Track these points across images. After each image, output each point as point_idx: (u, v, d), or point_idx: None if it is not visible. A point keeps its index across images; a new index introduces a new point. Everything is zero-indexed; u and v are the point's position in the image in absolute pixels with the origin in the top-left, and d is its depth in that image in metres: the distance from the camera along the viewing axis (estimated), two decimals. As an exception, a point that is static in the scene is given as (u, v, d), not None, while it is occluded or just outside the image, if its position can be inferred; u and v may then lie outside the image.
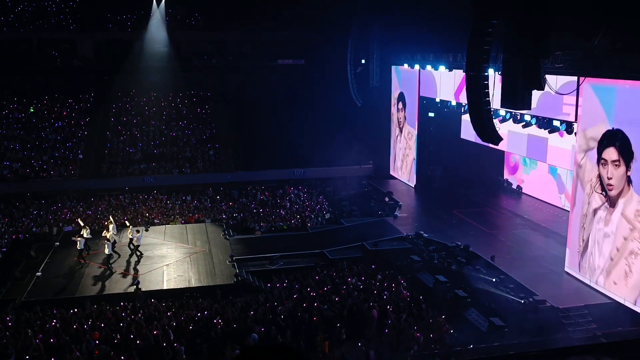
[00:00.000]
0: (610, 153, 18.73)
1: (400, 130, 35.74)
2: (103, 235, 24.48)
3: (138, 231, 24.84)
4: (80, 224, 25.62)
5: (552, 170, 29.97)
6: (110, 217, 27.02)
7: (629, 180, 18.20)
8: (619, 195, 18.60)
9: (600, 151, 19.16)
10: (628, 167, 18.13)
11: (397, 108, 35.84)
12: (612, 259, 19.02)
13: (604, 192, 19.23)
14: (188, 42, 44.92)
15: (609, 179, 18.89)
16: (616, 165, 18.56)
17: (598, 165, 19.33)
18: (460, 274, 21.90)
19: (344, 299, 19.49)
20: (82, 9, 43.12)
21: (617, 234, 18.76)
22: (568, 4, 18.45)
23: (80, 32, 42.76)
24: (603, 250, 19.38)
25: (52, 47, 43.02)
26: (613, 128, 18.57)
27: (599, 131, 19.17)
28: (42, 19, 42.57)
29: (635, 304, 18.14)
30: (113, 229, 25.23)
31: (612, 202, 18.93)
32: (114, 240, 24.44)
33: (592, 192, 19.77)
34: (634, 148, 17.83)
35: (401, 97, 35.21)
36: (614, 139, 18.51)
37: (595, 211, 19.76)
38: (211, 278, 22.82)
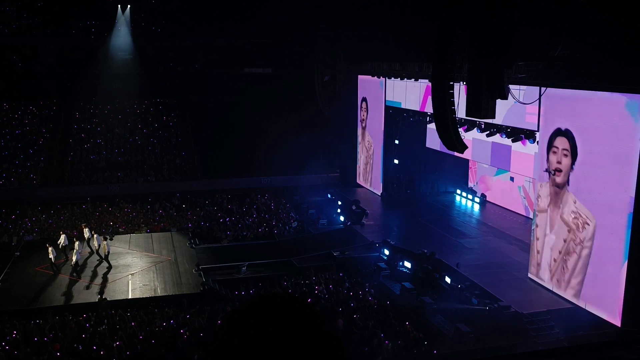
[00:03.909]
0: (563, 142, 19.50)
1: (363, 135, 36.08)
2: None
3: (105, 238, 24.66)
4: (62, 233, 25.39)
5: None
6: (83, 226, 26.73)
7: (568, 179, 19.19)
8: (561, 189, 19.50)
9: (551, 140, 19.94)
10: (573, 161, 19.02)
11: (361, 107, 36.18)
12: (555, 261, 20.03)
13: (552, 180, 19.99)
14: (153, 48, 44.45)
15: (558, 163, 19.66)
16: (565, 154, 19.40)
17: (548, 154, 20.08)
18: (427, 281, 22.12)
19: (312, 307, 19.48)
20: (45, 13, 42.27)
21: (559, 237, 19.83)
22: (530, 15, 18.92)
23: (42, 37, 41.89)
24: (550, 253, 20.36)
25: (14, 52, 42.03)
26: (562, 128, 19.46)
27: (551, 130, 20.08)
28: (2, 24, 41.59)
29: (577, 299, 19.18)
30: (87, 234, 25.20)
31: (555, 199, 19.77)
32: (91, 247, 24.35)
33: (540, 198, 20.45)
34: (578, 150, 18.84)
35: (364, 100, 35.62)
36: (566, 134, 19.38)
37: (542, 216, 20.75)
38: (177, 287, 22.55)
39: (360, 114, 36.33)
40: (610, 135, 17.80)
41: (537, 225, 21.11)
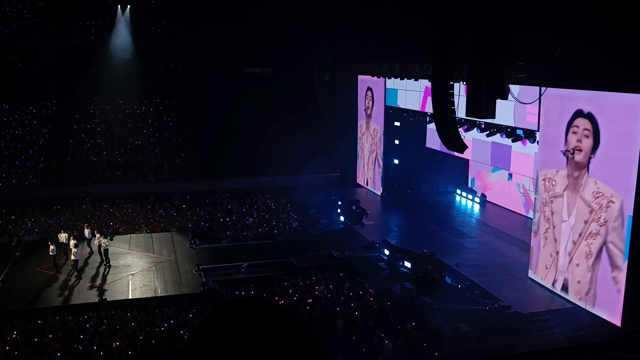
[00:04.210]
0: (584, 123, 18.76)
1: (367, 124, 35.85)
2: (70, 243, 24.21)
3: (105, 236, 24.85)
4: (67, 232, 25.69)
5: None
6: (85, 225, 26.86)
7: (588, 163, 18.67)
8: (581, 171, 19.07)
9: (572, 120, 19.25)
10: (596, 144, 18.36)
11: (366, 96, 35.92)
12: (574, 243, 19.38)
13: (568, 158, 19.49)
14: (153, 49, 44.44)
15: (578, 142, 18.96)
16: (586, 135, 18.70)
17: (567, 134, 19.40)
18: (427, 280, 22.12)
19: (312, 307, 19.49)
20: (45, 14, 42.25)
21: (579, 219, 19.20)
22: (530, 15, 18.92)
23: (42, 38, 41.88)
24: (569, 238, 19.74)
25: (14, 52, 42.02)
26: (585, 111, 18.72)
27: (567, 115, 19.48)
28: (2, 24, 41.58)
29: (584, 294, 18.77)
30: (88, 234, 25.28)
31: (574, 183, 19.37)
32: (91, 247, 24.46)
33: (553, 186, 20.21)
34: (601, 135, 18.18)
35: (370, 89, 35.27)
36: (588, 116, 18.68)
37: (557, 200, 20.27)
38: (177, 287, 22.55)
39: (365, 102, 35.97)
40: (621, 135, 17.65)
41: (552, 212, 20.34)
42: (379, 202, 33.99)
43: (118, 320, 18.89)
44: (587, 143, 18.78)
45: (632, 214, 17.23)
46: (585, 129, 18.79)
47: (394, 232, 28.59)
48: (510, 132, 23.64)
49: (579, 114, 19.06)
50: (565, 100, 19.62)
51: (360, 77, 36.16)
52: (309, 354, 1.37)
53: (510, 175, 30.53)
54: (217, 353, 1.34)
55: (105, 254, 24.30)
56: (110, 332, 18.07)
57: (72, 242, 23.78)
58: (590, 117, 18.61)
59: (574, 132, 19.21)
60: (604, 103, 18.19)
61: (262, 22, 39.87)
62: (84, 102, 41.06)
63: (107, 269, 23.89)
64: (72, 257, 23.36)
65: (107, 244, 24.45)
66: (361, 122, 36.78)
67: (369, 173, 35.86)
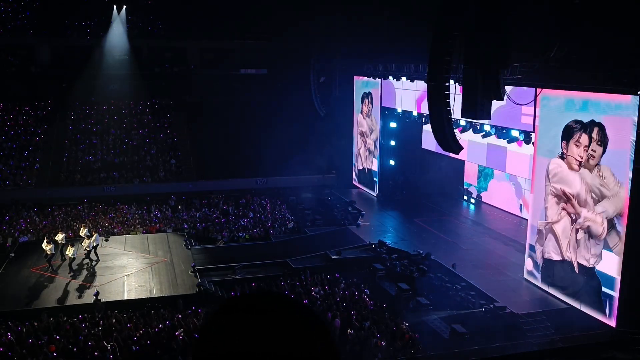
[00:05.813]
0: (584, 139, 18.81)
1: (364, 124, 35.80)
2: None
3: (89, 236, 24.54)
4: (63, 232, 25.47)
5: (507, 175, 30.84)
6: (82, 226, 26.61)
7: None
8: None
9: (579, 134, 19.21)
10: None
11: (365, 102, 35.79)
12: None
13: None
14: (149, 49, 44.31)
15: (579, 157, 19.07)
16: (585, 150, 18.84)
17: (569, 143, 19.43)
18: (422, 281, 22.14)
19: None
20: (40, 14, 42.11)
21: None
22: (525, 17, 18.96)
23: (38, 38, 41.74)
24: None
25: (9, 53, 41.87)
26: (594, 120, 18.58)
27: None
28: (-3, 24, 41.45)
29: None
30: (85, 234, 25.11)
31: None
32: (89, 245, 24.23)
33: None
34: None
35: (367, 95, 35.20)
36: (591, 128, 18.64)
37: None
38: (173, 288, 22.49)
39: (362, 107, 35.88)
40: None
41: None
42: (374, 203, 34.01)
43: (115, 322, 18.83)
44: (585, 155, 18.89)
45: (626, 214, 17.29)
46: (585, 146, 18.84)
47: (389, 233, 28.61)
48: (505, 134, 23.66)
49: (582, 127, 18.94)
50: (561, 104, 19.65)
51: (356, 77, 36.17)
52: (328, 354, 1.29)
53: (491, 170, 30.76)
54: (230, 353, 1.26)
55: (89, 253, 24.10)
56: (106, 333, 18.02)
57: (60, 235, 23.61)
58: (588, 129, 18.62)
59: (577, 146, 19.20)
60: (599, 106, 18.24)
61: (258, 23, 39.84)
62: (79, 102, 40.95)
63: (93, 268, 23.76)
64: (69, 256, 23.26)
65: (87, 247, 24.14)
66: (358, 124, 36.73)
67: (366, 174, 35.81)
